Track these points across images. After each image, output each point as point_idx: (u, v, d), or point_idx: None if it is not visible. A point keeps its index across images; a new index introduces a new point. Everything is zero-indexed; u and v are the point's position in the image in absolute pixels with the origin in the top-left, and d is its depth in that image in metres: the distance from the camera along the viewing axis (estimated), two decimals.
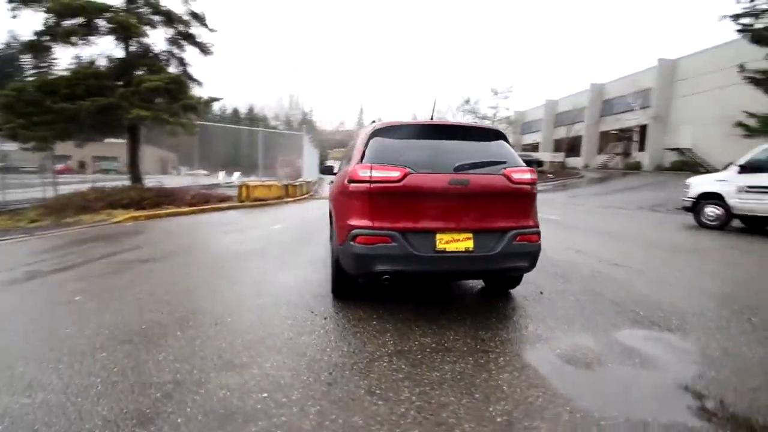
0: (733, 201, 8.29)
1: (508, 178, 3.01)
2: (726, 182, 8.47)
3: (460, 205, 2.95)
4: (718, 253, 6.24)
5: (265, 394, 2.08)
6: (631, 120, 31.06)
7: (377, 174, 2.88)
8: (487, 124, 30.00)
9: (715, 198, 8.67)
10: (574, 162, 36.08)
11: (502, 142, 3.33)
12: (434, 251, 2.88)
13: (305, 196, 15.63)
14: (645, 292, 3.99)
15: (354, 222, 2.96)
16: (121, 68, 11.90)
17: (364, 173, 2.92)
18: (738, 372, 2.41)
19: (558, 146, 39.16)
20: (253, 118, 57.51)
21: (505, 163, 3.11)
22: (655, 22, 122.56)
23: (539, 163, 31.11)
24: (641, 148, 30.76)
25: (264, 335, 2.83)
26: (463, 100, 33.08)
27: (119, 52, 12.12)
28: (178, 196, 11.51)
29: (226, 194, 13.43)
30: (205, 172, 22.62)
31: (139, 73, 12.16)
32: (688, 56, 27.48)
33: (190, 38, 13.18)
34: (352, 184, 3.00)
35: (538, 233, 3.13)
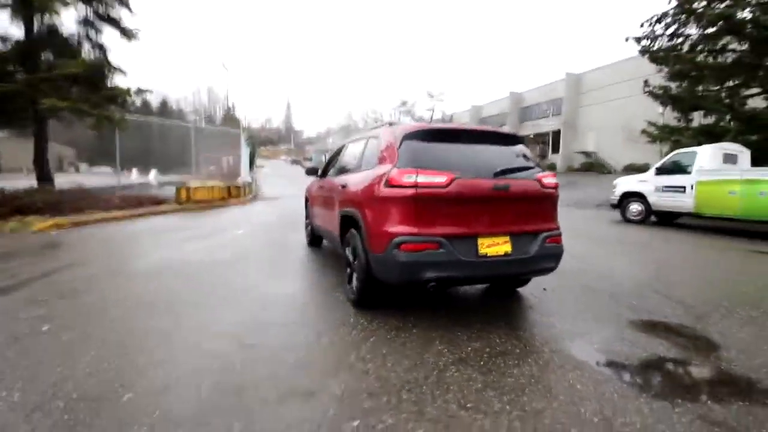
0: (652, 198, 9.61)
1: (540, 183, 3.14)
2: (646, 182, 9.80)
3: (499, 210, 3.00)
4: (658, 246, 7.18)
5: (356, 422, 1.91)
6: (546, 126, 34.36)
7: (424, 179, 2.80)
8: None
9: (637, 196, 9.98)
10: None
11: (522, 146, 3.45)
12: (477, 256, 2.90)
13: (249, 197, 14.68)
14: (626, 284, 4.43)
15: (396, 229, 2.84)
16: (22, 51, 10.02)
17: (408, 178, 2.82)
18: (746, 351, 2.79)
19: None
20: (165, 112, 52.46)
21: (534, 168, 3.24)
22: (566, 38, 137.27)
23: None
24: (555, 151, 34.20)
25: (308, 356, 2.60)
26: (400, 102, 33.83)
27: (16, 32, 10.20)
28: (102, 199, 10.05)
29: (158, 196, 12.07)
30: (110, 169, 19.93)
31: (47, 57, 10.39)
32: (591, 71, 31.16)
33: (111, 20, 11.58)
34: (392, 189, 2.89)
35: (561, 234, 3.31)
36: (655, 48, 14.99)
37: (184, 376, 2.30)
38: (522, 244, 3.04)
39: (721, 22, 11.79)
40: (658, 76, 14.98)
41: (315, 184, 5.58)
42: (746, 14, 11.97)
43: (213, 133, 21.72)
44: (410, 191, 2.82)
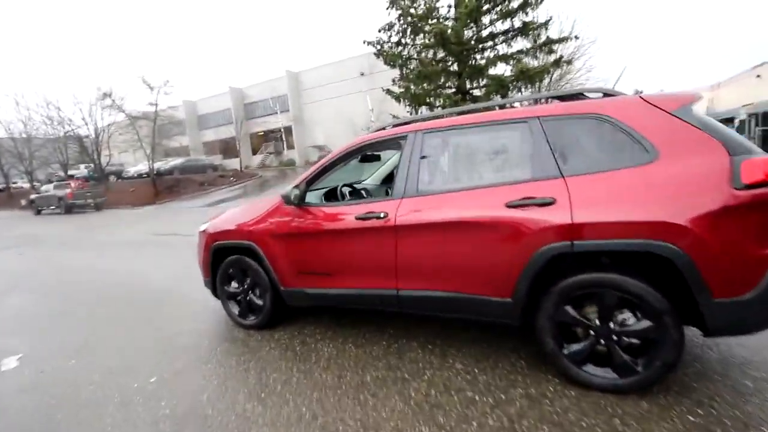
0: None
1: None
2: None
3: None
4: None
5: None
6: (275, 122, 34.70)
7: None
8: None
9: None
10: (232, 164, 36.32)
11: None
12: None
13: None
14: None
15: None
16: None
17: None
18: None
19: (211, 149, 37.96)
20: None
21: None
22: (287, 35, 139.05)
23: (215, 168, 29.17)
24: (290, 147, 35.28)
25: None
26: (100, 94, 24.80)
27: None
28: None
29: None
30: None
31: None
32: (308, 70, 33.69)
33: None
34: (757, 189, 1.94)
35: None
36: (385, 52, 17.76)
37: None
38: None
39: (438, 36, 15.17)
40: (362, 79, 17.99)
41: (299, 223, 3.13)
42: (449, 29, 15.95)
43: None
44: None
